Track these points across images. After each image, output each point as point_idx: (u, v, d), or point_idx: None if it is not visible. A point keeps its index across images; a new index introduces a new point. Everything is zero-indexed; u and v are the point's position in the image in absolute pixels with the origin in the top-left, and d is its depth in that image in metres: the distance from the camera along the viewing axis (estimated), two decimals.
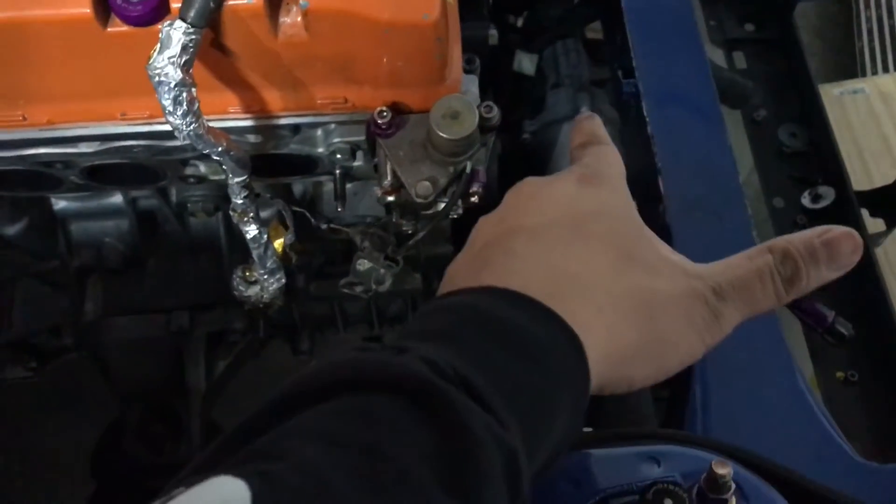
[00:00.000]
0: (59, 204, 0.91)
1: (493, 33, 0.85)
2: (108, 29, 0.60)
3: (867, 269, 0.88)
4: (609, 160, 0.49)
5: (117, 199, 0.90)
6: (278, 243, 0.83)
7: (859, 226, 0.92)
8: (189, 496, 0.28)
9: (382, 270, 0.76)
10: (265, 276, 0.83)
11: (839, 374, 0.84)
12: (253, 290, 0.86)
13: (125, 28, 0.60)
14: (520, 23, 1.13)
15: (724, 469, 0.45)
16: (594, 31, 1.08)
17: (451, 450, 0.31)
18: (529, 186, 0.47)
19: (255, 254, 0.80)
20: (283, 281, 0.84)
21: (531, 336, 0.38)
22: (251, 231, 0.76)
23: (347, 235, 0.81)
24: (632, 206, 0.47)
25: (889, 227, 1.05)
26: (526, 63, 1.02)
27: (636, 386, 0.43)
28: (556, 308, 0.39)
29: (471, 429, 0.32)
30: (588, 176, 0.47)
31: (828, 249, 0.44)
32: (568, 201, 0.45)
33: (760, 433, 0.67)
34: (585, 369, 0.39)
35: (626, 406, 0.79)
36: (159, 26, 0.57)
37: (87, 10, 0.59)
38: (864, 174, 1.25)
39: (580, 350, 0.39)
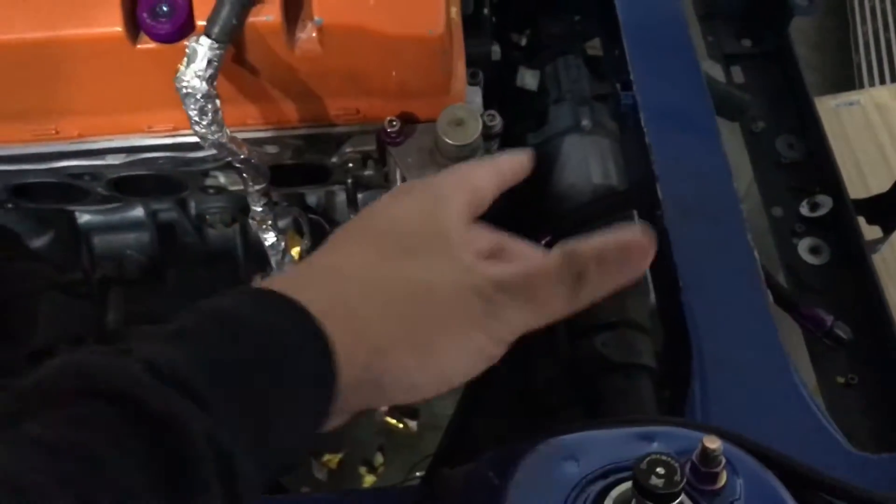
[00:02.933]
0: (83, 217, 0.95)
1: (496, 49, 0.89)
2: (138, 46, 0.64)
3: (865, 274, 0.90)
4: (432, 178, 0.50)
5: (139, 212, 0.94)
6: (295, 251, 0.86)
7: (857, 233, 0.93)
8: None
9: None
10: None
11: (839, 379, 0.86)
12: None
13: (153, 45, 0.64)
14: (524, 42, 1.17)
15: (714, 443, 0.48)
16: (595, 48, 1.11)
17: (162, 454, 0.32)
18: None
19: (273, 261, 0.83)
20: None
21: (270, 334, 0.38)
22: (269, 238, 0.80)
23: None
24: (439, 208, 0.46)
25: (886, 234, 1.06)
26: (528, 79, 1.05)
27: (410, 380, 0.41)
28: (303, 298, 0.39)
29: (183, 431, 0.32)
30: (403, 188, 0.49)
31: (618, 252, 0.44)
32: (370, 208, 0.48)
33: (757, 428, 0.69)
34: (328, 367, 0.39)
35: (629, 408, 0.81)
36: (185, 42, 0.61)
37: (118, 28, 0.63)
38: (861, 183, 1.27)
39: (325, 347, 0.39)
